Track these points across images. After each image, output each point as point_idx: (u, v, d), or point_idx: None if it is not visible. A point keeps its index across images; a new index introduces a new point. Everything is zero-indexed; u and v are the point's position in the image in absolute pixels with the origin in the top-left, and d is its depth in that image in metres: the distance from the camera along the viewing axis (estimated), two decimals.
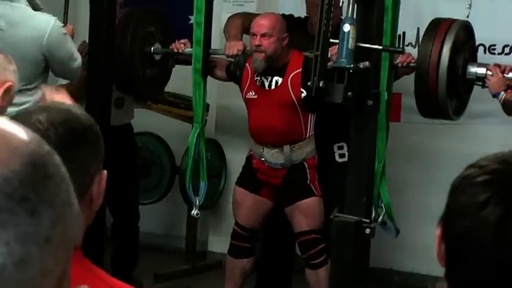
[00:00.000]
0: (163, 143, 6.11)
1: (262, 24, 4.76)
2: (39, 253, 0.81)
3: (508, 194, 1.21)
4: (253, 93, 4.84)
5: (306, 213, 4.76)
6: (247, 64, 4.88)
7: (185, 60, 4.94)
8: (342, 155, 5.11)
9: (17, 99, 4.23)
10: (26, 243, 0.80)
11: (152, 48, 5.01)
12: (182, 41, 5.00)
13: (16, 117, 1.46)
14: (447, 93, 4.09)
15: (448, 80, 4.06)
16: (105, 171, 1.51)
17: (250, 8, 6.04)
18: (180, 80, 5.33)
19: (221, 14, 5.97)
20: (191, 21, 4.74)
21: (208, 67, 4.79)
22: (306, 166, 4.82)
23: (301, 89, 4.70)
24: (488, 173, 1.23)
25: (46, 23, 4.33)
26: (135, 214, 5.51)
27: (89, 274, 1.48)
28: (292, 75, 4.74)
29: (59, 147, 1.33)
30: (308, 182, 4.81)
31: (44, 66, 4.40)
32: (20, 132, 0.86)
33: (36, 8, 4.38)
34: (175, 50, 4.95)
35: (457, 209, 1.24)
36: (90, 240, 4.61)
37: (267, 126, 4.78)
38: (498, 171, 1.23)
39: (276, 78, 4.77)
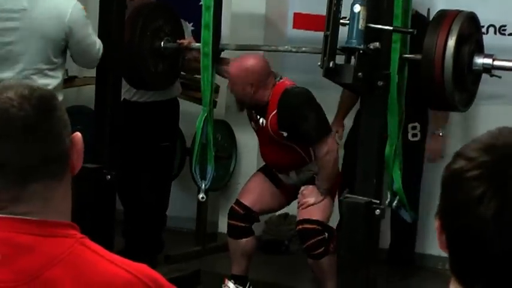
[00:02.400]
0: None
1: (228, 72, 4.76)
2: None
3: (500, 186, 1.25)
4: (254, 125, 4.86)
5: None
6: None
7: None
8: (414, 135, 5.41)
9: (39, 81, 4.21)
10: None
11: (162, 43, 4.98)
12: (187, 38, 5.04)
13: None
14: (454, 85, 4.05)
15: (454, 72, 4.01)
16: (78, 132, 1.57)
17: None
18: None
19: None
20: (201, 2, 4.71)
21: (218, 53, 4.74)
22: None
23: (280, 131, 4.65)
24: (478, 167, 1.27)
25: (67, 2, 4.33)
26: (166, 188, 5.73)
27: (88, 251, 1.49)
28: (270, 117, 4.67)
29: (36, 115, 1.47)
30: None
31: (64, 47, 4.39)
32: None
33: None
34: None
35: (454, 205, 1.29)
36: (101, 223, 4.57)
37: (269, 157, 4.87)
38: (488, 165, 1.27)
39: (261, 119, 4.75)
